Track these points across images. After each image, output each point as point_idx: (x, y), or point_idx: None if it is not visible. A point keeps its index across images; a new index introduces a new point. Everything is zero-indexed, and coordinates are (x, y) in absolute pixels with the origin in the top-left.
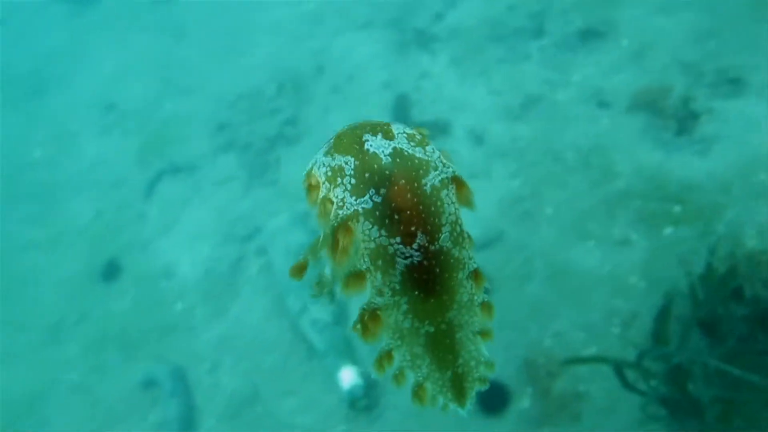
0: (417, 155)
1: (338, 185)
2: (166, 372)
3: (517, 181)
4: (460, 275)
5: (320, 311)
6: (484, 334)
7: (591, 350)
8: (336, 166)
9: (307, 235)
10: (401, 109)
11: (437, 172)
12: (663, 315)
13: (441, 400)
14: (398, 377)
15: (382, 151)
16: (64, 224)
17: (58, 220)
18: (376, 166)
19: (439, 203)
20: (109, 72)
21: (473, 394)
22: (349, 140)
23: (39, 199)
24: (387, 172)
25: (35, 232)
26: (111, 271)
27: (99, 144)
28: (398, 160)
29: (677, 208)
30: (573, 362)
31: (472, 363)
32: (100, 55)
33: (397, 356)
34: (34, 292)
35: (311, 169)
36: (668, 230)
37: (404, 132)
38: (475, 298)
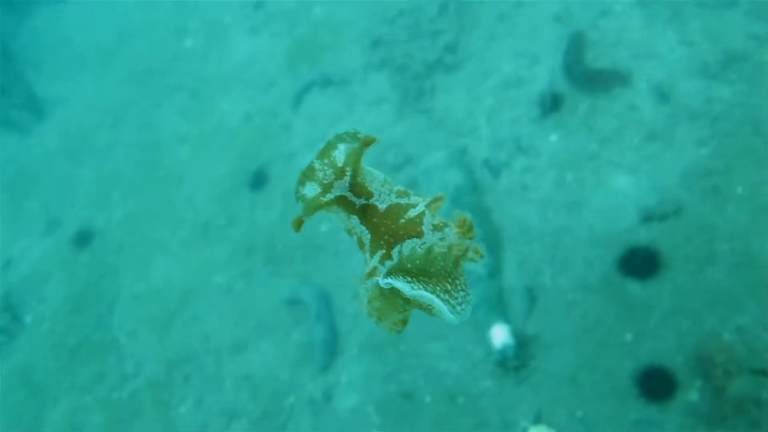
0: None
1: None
2: (313, 293)
3: (705, 150)
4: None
5: (475, 263)
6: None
7: None
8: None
9: (464, 175)
10: (575, 51)
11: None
12: None
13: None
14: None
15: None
16: (214, 123)
17: (209, 118)
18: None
19: (369, 178)
20: None
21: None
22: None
23: (190, 92)
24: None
25: (187, 127)
26: (258, 180)
27: (249, 43)
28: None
29: None
30: (760, 374)
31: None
32: None
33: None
34: (186, 188)
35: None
36: None
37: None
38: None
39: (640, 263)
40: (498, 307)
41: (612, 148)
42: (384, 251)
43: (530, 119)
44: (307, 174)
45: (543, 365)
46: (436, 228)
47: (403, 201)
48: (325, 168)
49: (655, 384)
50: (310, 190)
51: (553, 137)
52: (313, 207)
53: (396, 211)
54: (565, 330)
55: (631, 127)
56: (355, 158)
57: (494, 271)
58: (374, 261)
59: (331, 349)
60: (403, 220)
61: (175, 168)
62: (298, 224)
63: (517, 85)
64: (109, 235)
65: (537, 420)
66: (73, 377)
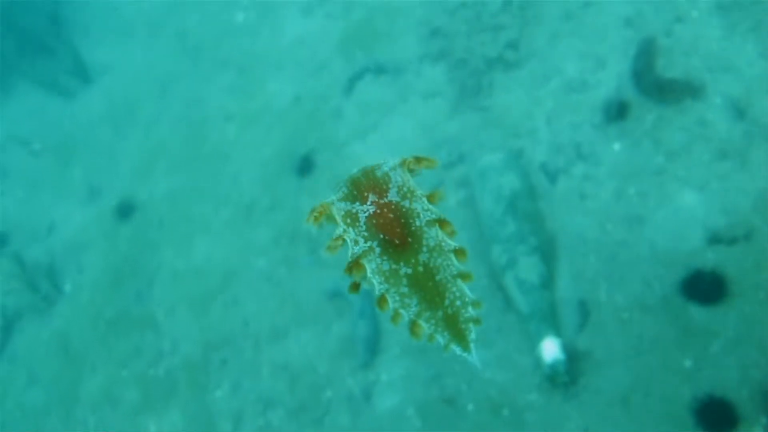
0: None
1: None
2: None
3: None
4: (417, 222)
5: (528, 271)
6: (463, 276)
7: None
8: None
9: (521, 180)
10: (645, 57)
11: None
12: None
13: (440, 339)
14: (394, 317)
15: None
16: (262, 102)
17: (257, 97)
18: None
19: (387, 178)
20: None
21: (472, 336)
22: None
23: (239, 69)
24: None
25: (234, 104)
26: (305, 166)
27: (301, 23)
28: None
29: None
30: None
31: (458, 303)
32: None
33: (389, 298)
34: (232, 167)
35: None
36: None
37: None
38: (444, 244)
39: (704, 287)
40: (550, 319)
41: (679, 163)
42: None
43: (593, 125)
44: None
45: (593, 383)
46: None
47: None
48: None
49: (715, 416)
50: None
51: (617, 146)
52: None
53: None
54: (619, 349)
55: (701, 142)
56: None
57: (547, 282)
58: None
59: (373, 346)
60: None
61: (220, 146)
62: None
63: (581, 89)
64: (151, 210)
65: None
66: (110, 350)
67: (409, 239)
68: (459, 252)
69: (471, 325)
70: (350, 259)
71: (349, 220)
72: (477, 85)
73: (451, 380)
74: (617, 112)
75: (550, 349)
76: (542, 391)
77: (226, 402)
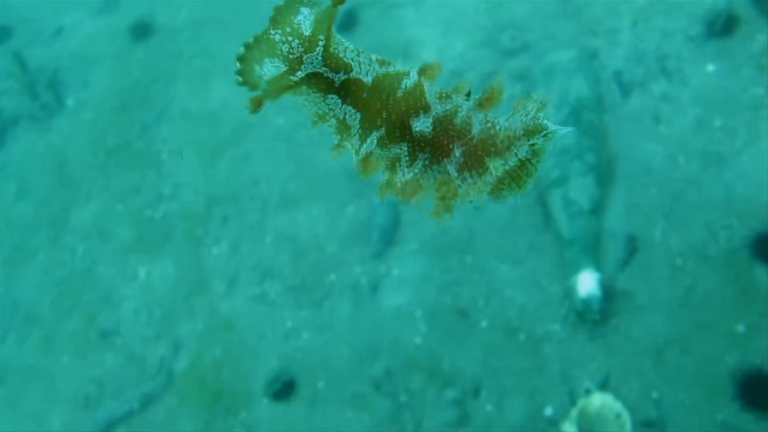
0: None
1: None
2: None
3: None
4: (458, 119)
5: (579, 192)
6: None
7: None
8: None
9: (590, 87)
10: None
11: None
12: None
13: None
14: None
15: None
16: None
17: None
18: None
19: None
20: None
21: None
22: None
23: None
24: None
25: None
26: (348, 23)
27: None
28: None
29: None
30: None
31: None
32: None
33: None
34: (264, 6)
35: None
36: None
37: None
38: (474, 102)
39: None
40: (592, 250)
41: None
42: (383, 132)
43: (687, 37)
44: (265, 48)
45: (626, 327)
46: (442, 98)
47: (392, 70)
48: (289, 39)
49: (759, 390)
50: (272, 68)
51: (711, 67)
52: (279, 89)
53: (388, 82)
54: (663, 296)
55: None
56: (327, 24)
57: (597, 207)
58: (370, 145)
59: (389, 236)
60: (401, 92)
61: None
62: (257, 104)
63: None
64: (170, 36)
65: (603, 385)
66: (107, 180)
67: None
68: (488, 99)
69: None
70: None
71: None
72: None
73: (468, 290)
74: (723, 26)
75: (587, 282)
76: (567, 323)
77: (222, 260)
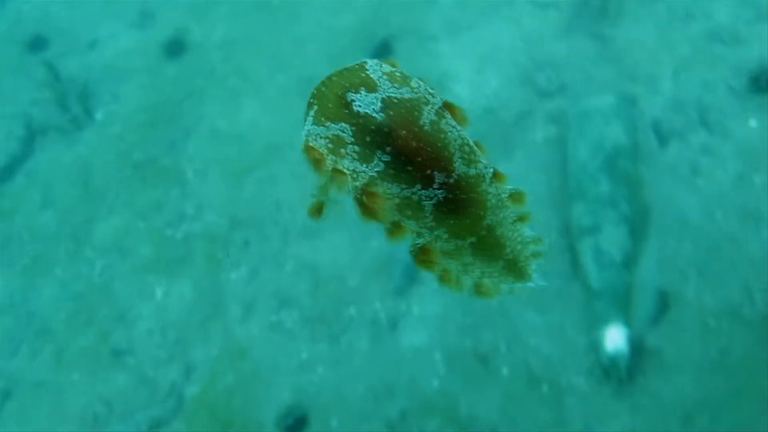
0: (406, 97)
1: (344, 156)
2: None
3: None
4: (483, 187)
5: (611, 242)
6: (522, 219)
7: None
8: (334, 136)
9: (627, 135)
10: None
11: (429, 106)
12: None
13: (504, 287)
14: (457, 284)
15: (373, 109)
16: None
17: None
18: (373, 127)
19: (442, 135)
20: None
21: (532, 268)
22: (335, 104)
23: None
24: (386, 129)
25: None
26: (382, 51)
27: None
28: (391, 112)
29: None
30: None
31: (519, 247)
32: None
33: (452, 269)
34: (299, 30)
35: (307, 141)
36: None
37: (383, 74)
38: (502, 195)
39: None
40: (622, 303)
41: None
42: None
43: (730, 89)
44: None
45: (654, 387)
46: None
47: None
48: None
49: None
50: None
51: (753, 122)
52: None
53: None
54: (694, 357)
55: None
56: None
57: (629, 260)
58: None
59: (412, 273)
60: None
61: (291, 1)
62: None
63: (728, 41)
64: (203, 54)
65: None
66: (131, 195)
67: (475, 210)
68: (515, 196)
69: (531, 259)
70: (412, 249)
71: (409, 212)
72: (602, 6)
73: (489, 335)
74: (767, 80)
75: (615, 338)
76: (592, 377)
77: (240, 286)
